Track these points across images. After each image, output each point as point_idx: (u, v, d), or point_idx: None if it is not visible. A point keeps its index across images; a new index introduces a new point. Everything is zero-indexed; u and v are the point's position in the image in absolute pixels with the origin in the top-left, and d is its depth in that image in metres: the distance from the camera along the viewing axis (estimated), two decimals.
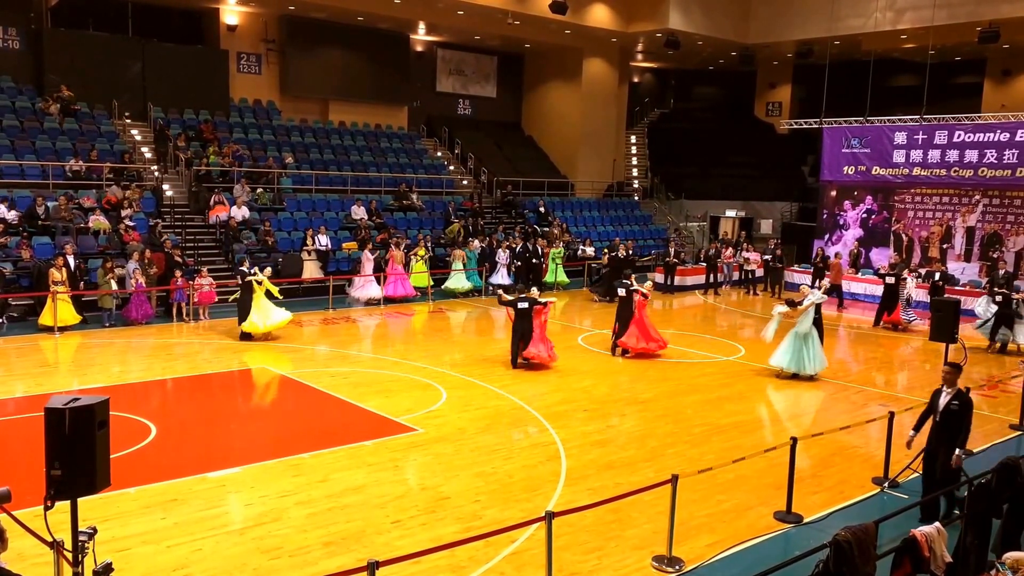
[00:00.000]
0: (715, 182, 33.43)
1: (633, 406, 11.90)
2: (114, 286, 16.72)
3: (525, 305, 13.86)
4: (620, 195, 33.24)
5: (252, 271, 15.84)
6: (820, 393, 13.13)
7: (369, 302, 20.05)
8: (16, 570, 4.89)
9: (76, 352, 14.52)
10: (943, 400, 7.59)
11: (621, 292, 15.22)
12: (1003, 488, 6.80)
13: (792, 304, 14.11)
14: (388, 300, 20.25)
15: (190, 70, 24.45)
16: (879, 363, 15.93)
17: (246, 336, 15.41)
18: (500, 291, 15.57)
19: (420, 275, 21.25)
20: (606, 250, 23.82)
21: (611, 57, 31.75)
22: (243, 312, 15.54)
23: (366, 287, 20.24)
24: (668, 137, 35.94)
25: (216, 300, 18.01)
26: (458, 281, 22.09)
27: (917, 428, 7.88)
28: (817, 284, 17.83)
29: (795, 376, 13.63)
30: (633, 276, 17.02)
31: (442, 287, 21.96)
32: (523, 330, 13.85)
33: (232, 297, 16.56)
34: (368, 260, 20.30)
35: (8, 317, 16.13)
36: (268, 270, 16.30)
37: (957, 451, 7.28)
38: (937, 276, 19.94)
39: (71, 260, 16.51)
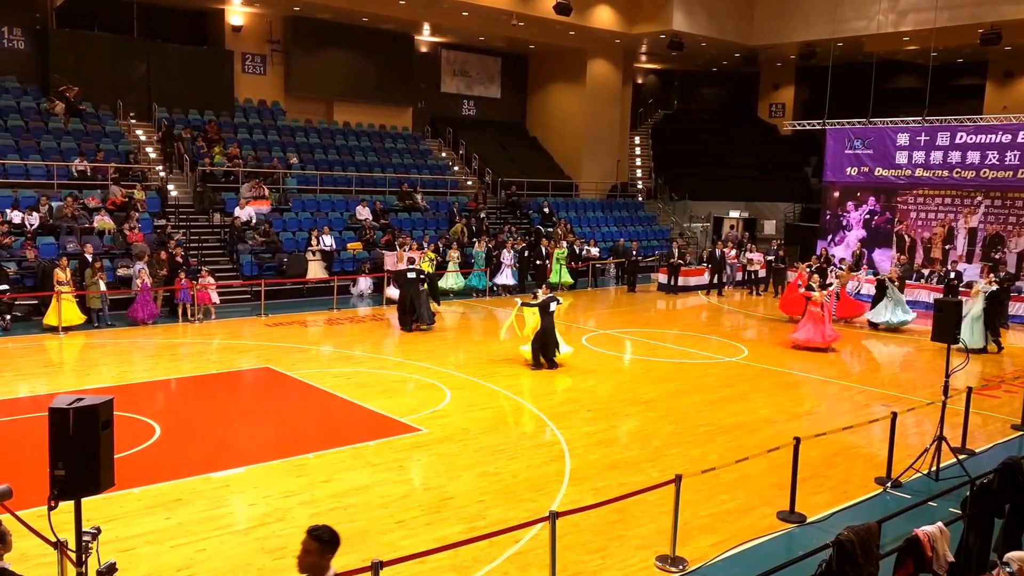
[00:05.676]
0: (719, 183, 33.42)
1: (637, 406, 11.91)
2: (102, 286, 16.71)
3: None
4: (624, 196, 33.24)
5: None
6: (823, 393, 13.13)
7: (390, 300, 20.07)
8: (19, 570, 4.90)
9: (81, 352, 14.57)
10: None
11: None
12: (1005, 488, 6.80)
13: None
14: (390, 301, 20.27)
15: (195, 70, 24.54)
16: (882, 362, 15.91)
17: (553, 365, 13.87)
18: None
19: None
20: (421, 256, 20.05)
21: (615, 58, 31.76)
22: (550, 337, 13.84)
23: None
24: (672, 138, 35.97)
25: (219, 301, 18.04)
26: (451, 280, 21.95)
27: None
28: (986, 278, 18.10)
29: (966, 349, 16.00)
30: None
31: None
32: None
33: (506, 325, 14.44)
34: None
35: (13, 317, 16.18)
36: (545, 287, 14.81)
37: None
38: (953, 275, 20.12)
39: (89, 259, 16.83)
